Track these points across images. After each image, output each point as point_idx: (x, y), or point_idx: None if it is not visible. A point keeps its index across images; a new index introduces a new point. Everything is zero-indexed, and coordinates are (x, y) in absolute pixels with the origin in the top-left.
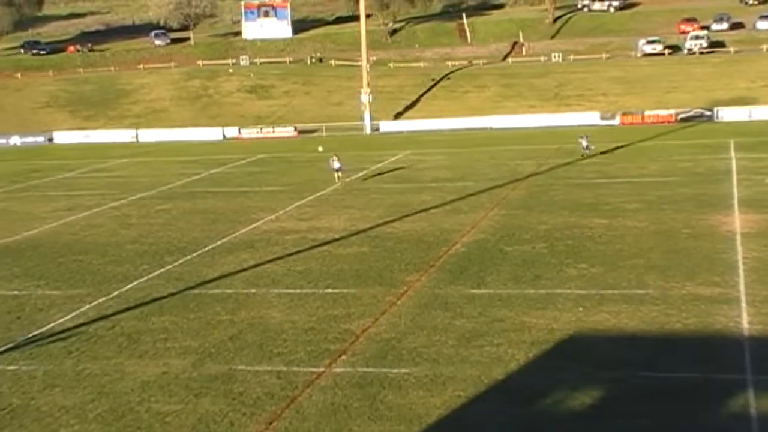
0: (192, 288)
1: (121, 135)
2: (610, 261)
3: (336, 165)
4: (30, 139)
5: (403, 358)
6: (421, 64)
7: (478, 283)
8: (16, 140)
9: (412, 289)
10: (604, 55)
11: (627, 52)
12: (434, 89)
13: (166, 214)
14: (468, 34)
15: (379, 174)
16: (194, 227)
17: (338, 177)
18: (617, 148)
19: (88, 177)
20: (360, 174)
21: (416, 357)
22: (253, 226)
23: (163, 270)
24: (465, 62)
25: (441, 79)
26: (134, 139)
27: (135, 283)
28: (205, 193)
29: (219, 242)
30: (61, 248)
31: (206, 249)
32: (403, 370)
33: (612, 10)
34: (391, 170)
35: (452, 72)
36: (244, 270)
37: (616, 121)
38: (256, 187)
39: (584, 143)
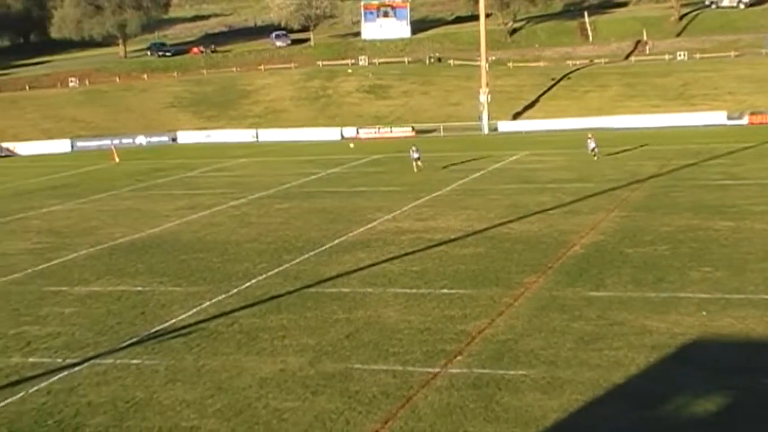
0: (309, 286)
1: (242, 135)
2: (735, 264)
3: (415, 155)
4: (155, 139)
5: (519, 360)
6: (541, 64)
7: (597, 285)
8: (141, 140)
9: (529, 291)
10: (732, 53)
11: (757, 50)
12: (554, 89)
13: (284, 213)
14: (590, 33)
15: (496, 174)
16: (312, 226)
17: (417, 166)
18: (623, 151)
19: (209, 176)
20: (477, 174)
21: (533, 359)
22: (370, 225)
23: (281, 268)
24: (586, 61)
25: (561, 78)
26: (254, 139)
27: (254, 281)
28: (322, 192)
29: (336, 241)
30: (182, 246)
31: (323, 248)
32: (519, 372)
33: (742, 6)
34: (508, 170)
35: (573, 71)
36: (361, 269)
37: (744, 121)
38: (373, 187)
39: (591, 145)
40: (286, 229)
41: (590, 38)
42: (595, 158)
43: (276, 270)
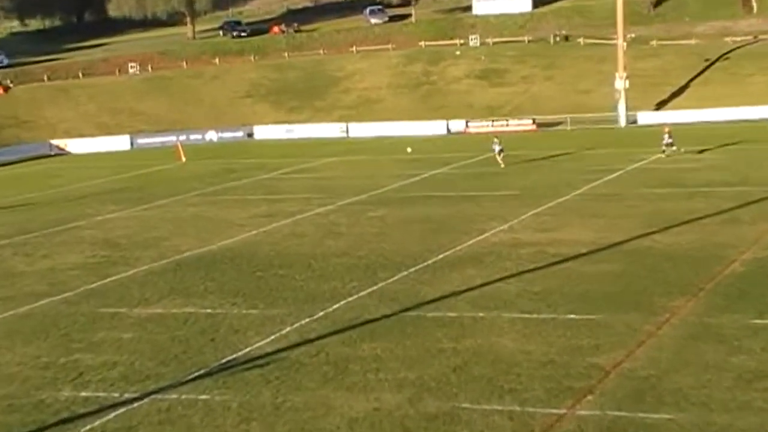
0: (409, 310)
1: (330, 129)
2: None
3: (497, 147)
4: (227, 135)
5: (664, 400)
6: (692, 42)
7: (761, 311)
8: (212, 135)
9: (676, 317)
10: None
11: None
12: (708, 72)
13: (379, 223)
14: (754, 4)
15: (635, 175)
16: (412, 238)
17: (500, 160)
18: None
19: (290, 178)
20: (612, 175)
21: (681, 400)
22: (481, 237)
23: (375, 288)
24: (749, 38)
25: (717, 59)
26: (344, 134)
27: (343, 302)
28: (425, 198)
29: (440, 256)
30: (260, 260)
31: (425, 264)
32: (664, 416)
33: None
34: (650, 171)
35: (732, 50)
36: (471, 289)
37: None
38: (486, 191)
39: (667, 139)
40: (382, 241)
41: (755, 9)
42: (665, 154)
43: (369, 289)
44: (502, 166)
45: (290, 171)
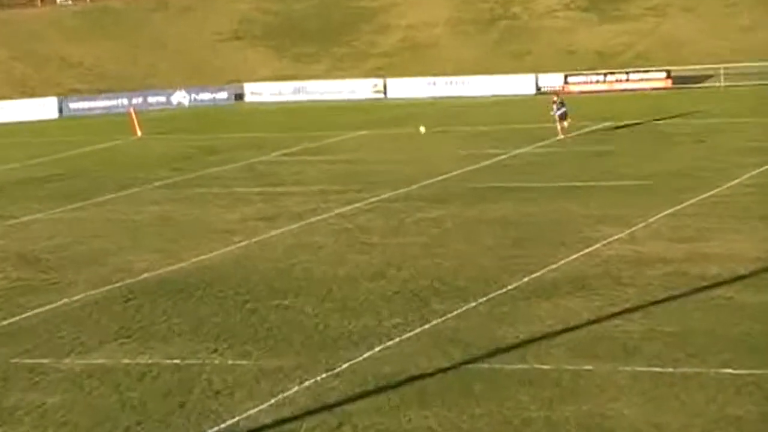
0: (478, 360)
1: (358, 88)
2: None
3: (558, 111)
4: (205, 97)
5: None
6: None
7: None
8: (182, 98)
9: None
10: None
11: None
12: None
13: (432, 228)
14: None
15: None
16: (482, 251)
17: (562, 128)
18: None
19: (299, 162)
20: None
21: None
22: (588, 250)
23: (426, 326)
24: None
25: None
26: (380, 95)
27: (378, 348)
28: (502, 190)
29: (525, 279)
30: (253, 285)
31: (503, 290)
32: None
33: None
34: None
35: None
36: (571, 329)
37: None
38: (595, 181)
39: None
40: (437, 257)
41: None
42: None
43: (418, 329)
44: (561, 137)
45: (298, 151)
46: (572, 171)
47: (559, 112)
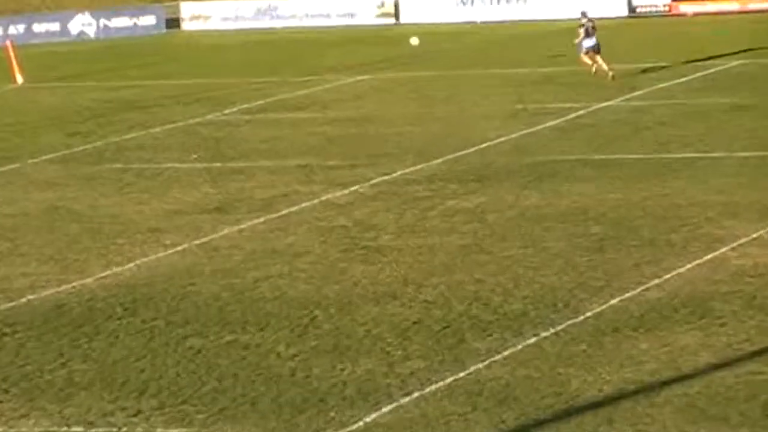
0: (541, 424)
1: (356, 8)
2: None
3: (589, 42)
4: (121, 22)
5: None
6: None
7: None
8: (85, 24)
9: None
10: None
11: None
12: None
13: (469, 223)
14: None
15: None
16: (546, 259)
17: (598, 67)
18: None
19: (265, 121)
20: None
21: None
22: (709, 256)
23: (461, 374)
24: None
25: None
26: (387, 19)
27: (384, 410)
28: (575, 164)
29: (612, 301)
30: (195, 312)
31: (578, 319)
32: None
33: None
34: None
35: None
36: (684, 378)
37: None
38: (718, 150)
39: None
40: (476, 267)
41: None
42: None
43: (448, 379)
44: (593, 71)
45: (265, 105)
46: (685, 135)
47: (589, 44)
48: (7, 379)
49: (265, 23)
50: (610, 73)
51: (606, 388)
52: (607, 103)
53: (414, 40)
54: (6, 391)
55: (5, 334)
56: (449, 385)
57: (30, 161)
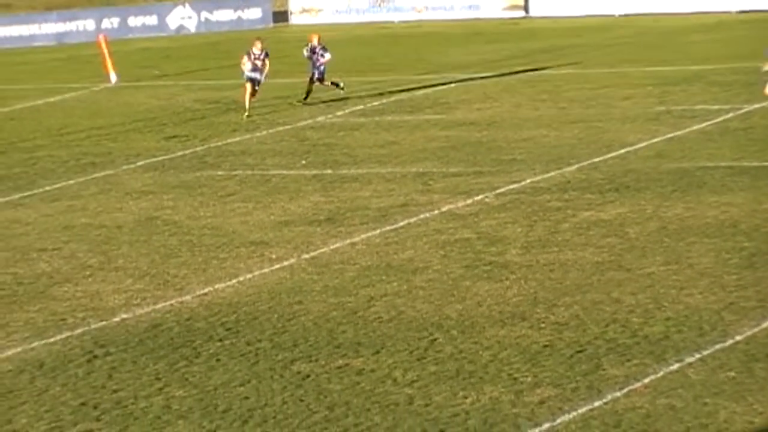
0: None
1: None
2: None
3: None
4: (224, 15)
5: None
6: None
7: None
8: (184, 18)
9: None
10: None
11: None
12: None
13: (607, 237)
14: None
15: None
16: (692, 277)
17: None
18: None
19: (381, 124)
20: None
21: None
22: None
23: (597, 403)
24: None
25: None
26: (517, 12)
27: None
28: (725, 172)
29: (765, 323)
30: (304, 334)
31: (727, 343)
32: None
33: None
34: None
35: None
36: None
37: None
38: None
39: None
40: (614, 286)
41: None
42: None
43: (582, 408)
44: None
45: (381, 107)
46: None
47: None
48: (99, 406)
49: (382, 16)
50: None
51: (758, 420)
52: (760, 105)
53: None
54: (98, 419)
55: (97, 357)
56: (583, 415)
57: (124, 167)
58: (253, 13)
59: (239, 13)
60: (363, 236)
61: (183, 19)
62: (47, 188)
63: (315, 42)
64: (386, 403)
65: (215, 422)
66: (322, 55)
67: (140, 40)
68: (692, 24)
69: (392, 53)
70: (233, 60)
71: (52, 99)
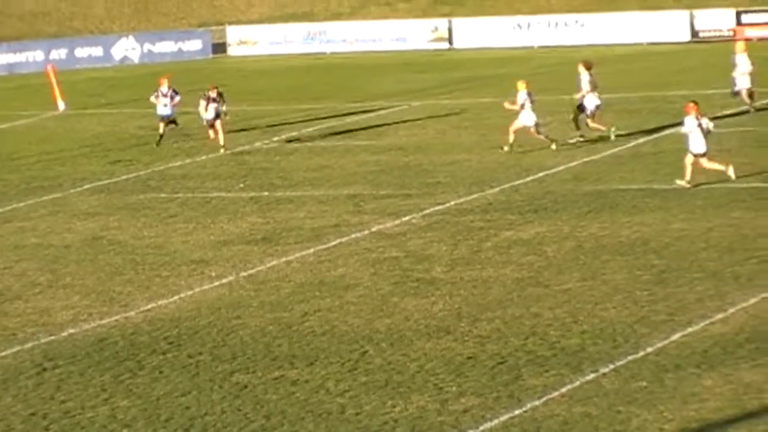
0: None
1: (408, 32)
2: None
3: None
4: (166, 47)
5: None
6: None
7: None
8: (128, 49)
9: None
10: None
11: None
12: None
13: (527, 255)
14: None
15: None
16: (606, 292)
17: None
18: None
19: (314, 149)
20: None
21: None
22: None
23: (517, 411)
24: None
25: None
26: (441, 43)
27: None
28: (635, 193)
29: (675, 336)
30: (242, 347)
31: (639, 354)
32: None
33: None
34: None
35: None
36: (750, 416)
37: None
38: None
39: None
40: (533, 301)
41: None
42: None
43: (504, 416)
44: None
45: (314, 133)
46: (753, 164)
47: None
48: (48, 416)
49: (315, 47)
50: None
51: (667, 427)
52: (667, 133)
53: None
54: (46, 429)
55: (46, 369)
56: (504, 423)
57: (72, 190)
58: (194, 45)
59: (180, 44)
60: (297, 255)
61: (127, 50)
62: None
63: (165, 86)
64: (320, 412)
65: (158, 431)
66: (172, 98)
67: (87, 70)
68: (606, 55)
69: (325, 82)
70: (176, 88)
71: (2, 126)
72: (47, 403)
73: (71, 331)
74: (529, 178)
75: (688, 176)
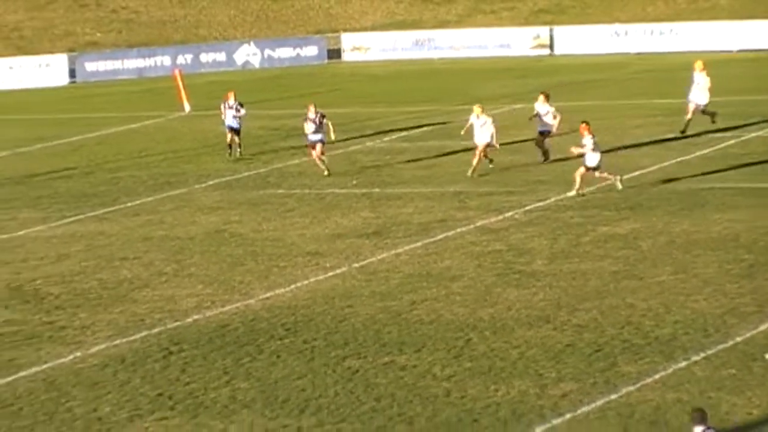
0: None
1: (510, 39)
2: None
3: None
4: (285, 53)
5: None
6: None
7: None
8: (250, 55)
9: None
10: None
11: None
12: None
13: (622, 249)
14: None
15: None
16: (697, 285)
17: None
18: None
19: (422, 149)
20: None
21: None
22: None
23: (613, 396)
24: None
25: None
26: (542, 50)
27: (537, 430)
28: (729, 192)
29: (763, 326)
30: (354, 334)
31: (728, 344)
32: None
33: None
34: None
35: None
36: None
37: None
38: None
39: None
40: (628, 293)
41: None
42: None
43: (600, 401)
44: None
45: (422, 134)
46: None
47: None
48: (173, 397)
49: (423, 54)
50: None
51: (755, 412)
52: (757, 134)
53: None
54: (172, 408)
55: (172, 353)
56: (601, 407)
57: (196, 186)
58: (311, 51)
59: (298, 50)
60: (406, 248)
61: (248, 55)
62: (128, 204)
63: (232, 99)
64: (426, 396)
65: (275, 411)
66: (238, 110)
67: (210, 74)
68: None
69: (432, 87)
70: (293, 92)
71: (133, 126)
72: (173, 384)
73: (195, 317)
74: (625, 177)
75: (578, 186)
